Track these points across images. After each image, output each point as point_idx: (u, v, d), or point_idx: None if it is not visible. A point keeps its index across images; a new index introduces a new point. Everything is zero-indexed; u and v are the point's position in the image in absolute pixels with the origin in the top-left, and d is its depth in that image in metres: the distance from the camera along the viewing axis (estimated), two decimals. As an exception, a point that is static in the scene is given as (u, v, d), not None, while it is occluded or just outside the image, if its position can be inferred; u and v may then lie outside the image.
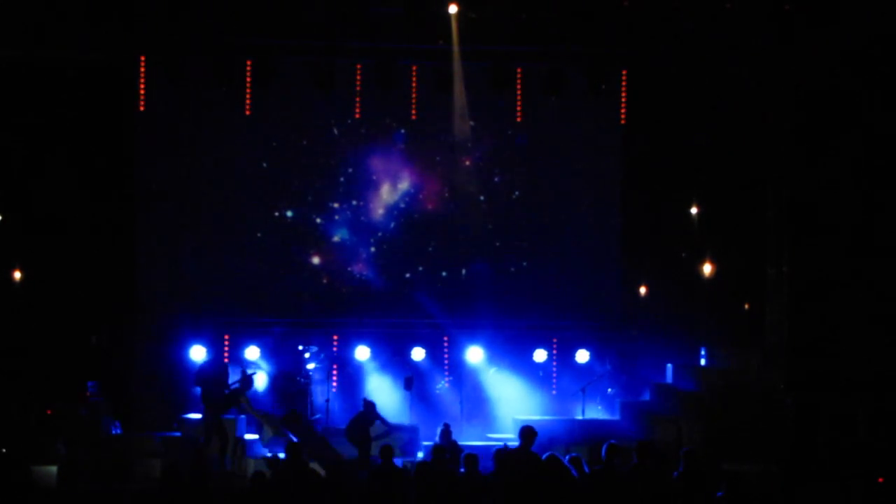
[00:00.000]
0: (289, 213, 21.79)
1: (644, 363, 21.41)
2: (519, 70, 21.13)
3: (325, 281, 21.77)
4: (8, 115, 20.23)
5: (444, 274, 22.08)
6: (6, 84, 20.09)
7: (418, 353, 20.85)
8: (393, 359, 20.89)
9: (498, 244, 22.06)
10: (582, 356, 21.12)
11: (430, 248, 22.08)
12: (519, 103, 21.46)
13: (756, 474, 14.54)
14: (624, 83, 21.54)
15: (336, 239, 21.81)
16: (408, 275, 22.01)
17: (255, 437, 18.93)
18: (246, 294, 21.47)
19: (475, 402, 20.76)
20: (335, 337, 21.17)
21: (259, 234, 21.68)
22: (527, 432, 14.40)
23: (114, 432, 18.91)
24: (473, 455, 13.96)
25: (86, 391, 19.20)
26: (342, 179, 21.86)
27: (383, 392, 20.42)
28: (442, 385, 21.02)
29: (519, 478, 13.60)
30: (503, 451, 14.11)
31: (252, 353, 20.49)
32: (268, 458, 14.62)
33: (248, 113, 21.14)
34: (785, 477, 13.96)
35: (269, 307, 21.40)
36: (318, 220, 21.78)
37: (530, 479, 13.55)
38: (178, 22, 19.37)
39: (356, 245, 21.90)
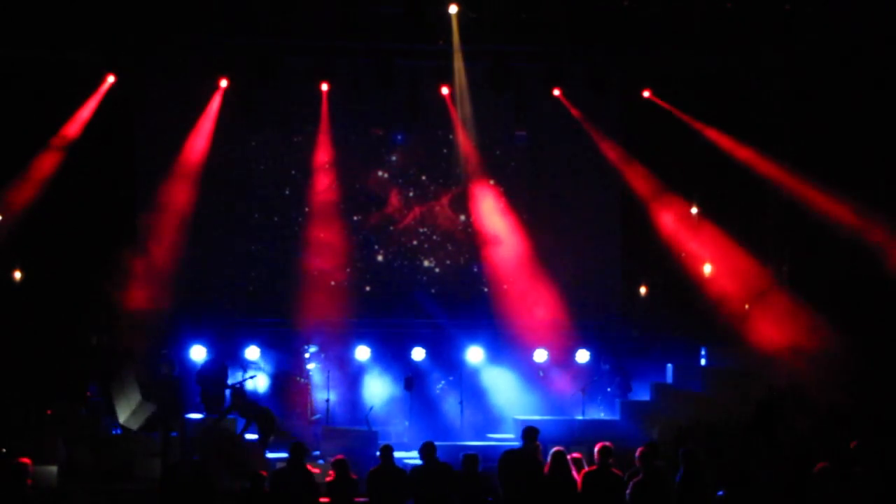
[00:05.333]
0: (287, 214, 21.80)
1: (644, 363, 21.40)
2: (519, 70, 21.12)
3: (323, 282, 21.77)
4: (7, 114, 20.22)
5: (445, 274, 22.08)
6: (5, 83, 20.09)
7: (418, 353, 20.85)
8: (393, 359, 20.88)
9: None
10: (582, 356, 21.11)
11: (431, 248, 22.07)
12: (519, 103, 21.44)
13: (757, 474, 14.52)
14: (624, 83, 21.51)
15: (335, 239, 21.80)
16: (408, 275, 22.01)
17: (255, 437, 18.92)
18: (246, 294, 21.47)
19: (475, 402, 20.74)
20: (335, 337, 21.15)
21: (258, 234, 21.69)
22: (528, 433, 14.37)
23: (114, 432, 18.88)
24: (473, 455, 13.94)
25: (86, 391, 19.19)
26: (341, 178, 21.86)
27: (383, 392, 20.47)
28: (442, 385, 21.00)
29: (521, 477, 13.60)
30: (507, 452, 14.11)
31: (252, 353, 20.48)
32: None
33: (247, 113, 21.10)
34: (785, 477, 13.94)
35: (269, 307, 21.40)
36: (317, 221, 21.77)
37: (531, 479, 13.55)
38: (179, 22, 19.38)
39: (356, 245, 21.91)
